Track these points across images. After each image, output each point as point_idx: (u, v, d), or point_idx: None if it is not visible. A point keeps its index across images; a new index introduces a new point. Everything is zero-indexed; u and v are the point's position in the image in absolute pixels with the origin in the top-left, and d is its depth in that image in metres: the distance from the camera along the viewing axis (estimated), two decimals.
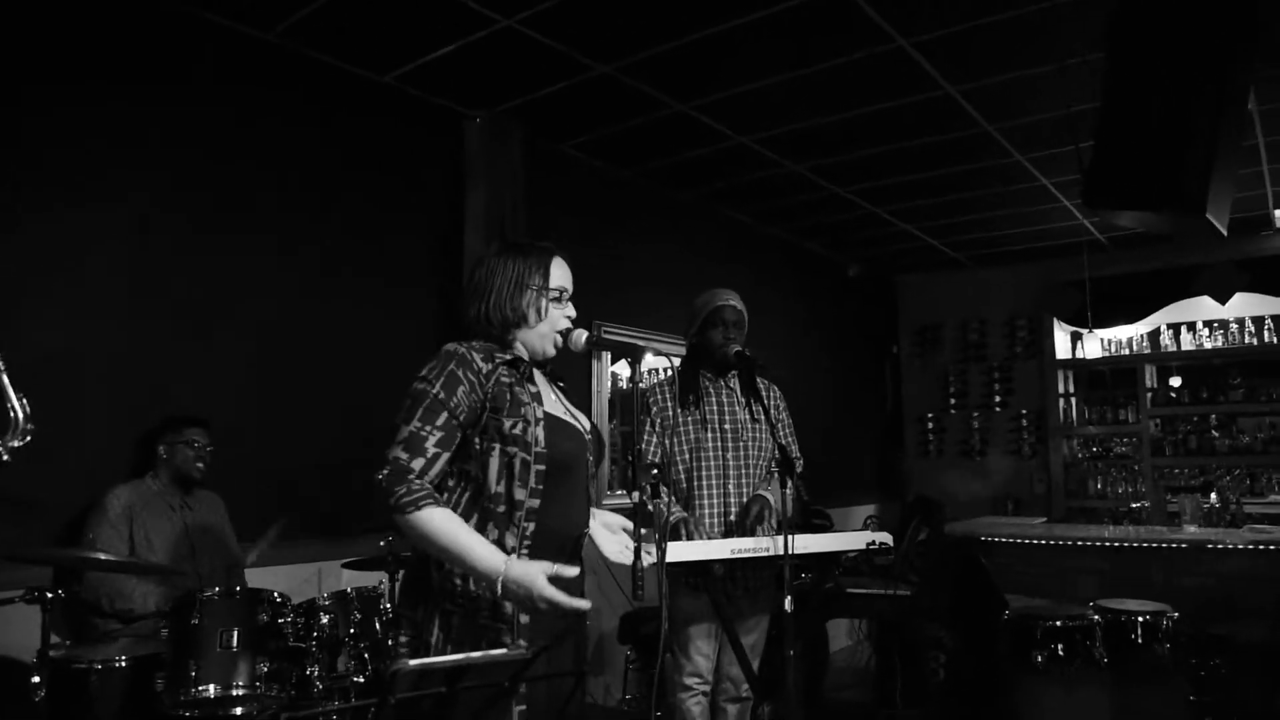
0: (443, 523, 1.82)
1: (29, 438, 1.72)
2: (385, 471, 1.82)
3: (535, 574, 1.75)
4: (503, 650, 1.50)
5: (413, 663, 1.20)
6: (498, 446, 1.90)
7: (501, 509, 1.89)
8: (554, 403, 2.05)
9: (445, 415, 1.87)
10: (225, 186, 3.56)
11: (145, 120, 3.33)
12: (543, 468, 1.90)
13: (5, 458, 1.70)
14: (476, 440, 1.91)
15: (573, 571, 1.80)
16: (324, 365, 3.80)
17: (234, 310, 3.55)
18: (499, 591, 1.76)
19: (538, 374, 2.07)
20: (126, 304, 3.24)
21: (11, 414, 1.70)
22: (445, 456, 1.88)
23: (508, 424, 1.89)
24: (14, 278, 2.96)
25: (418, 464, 1.83)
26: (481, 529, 1.88)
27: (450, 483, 1.94)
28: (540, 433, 1.90)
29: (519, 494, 1.88)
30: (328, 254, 3.89)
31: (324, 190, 3.90)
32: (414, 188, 4.29)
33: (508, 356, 1.97)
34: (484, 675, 1.37)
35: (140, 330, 3.27)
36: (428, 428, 1.86)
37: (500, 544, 1.86)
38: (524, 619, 1.83)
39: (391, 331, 4.08)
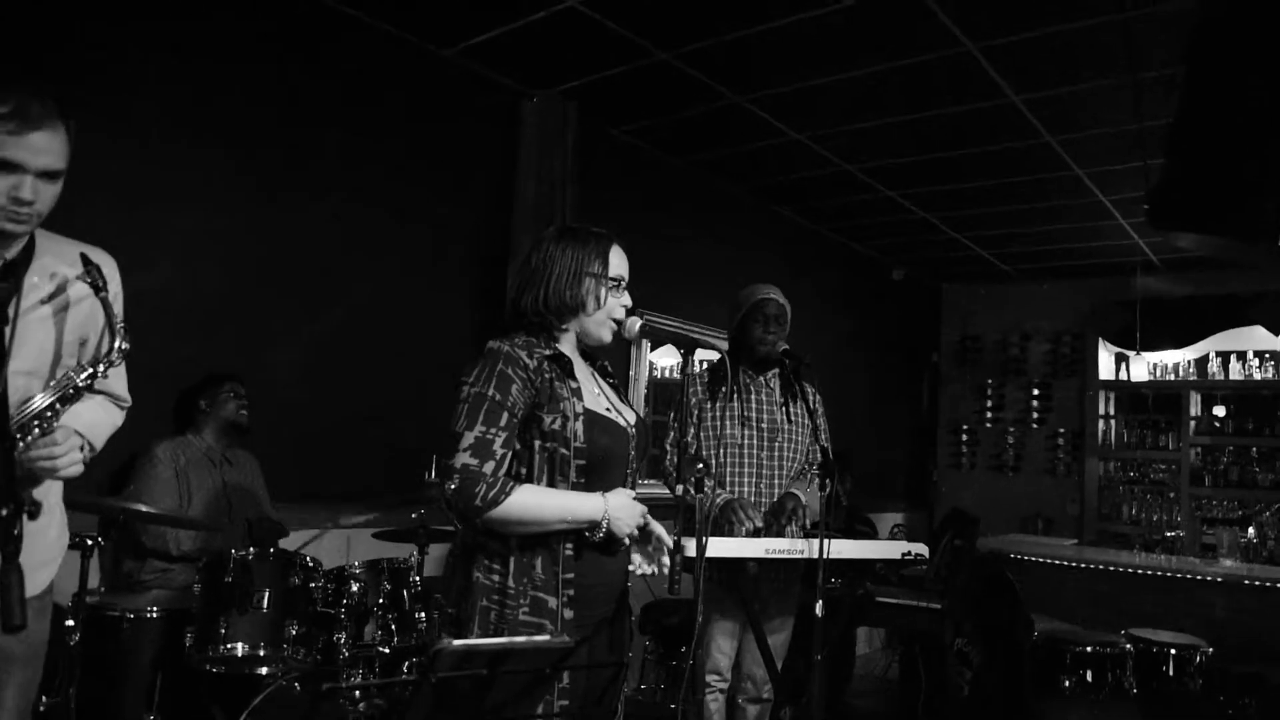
0: (535, 495, 1.85)
1: (121, 360, 1.76)
2: (456, 480, 1.81)
3: (627, 499, 1.92)
4: (546, 637, 1.49)
5: (456, 643, 1.19)
6: (538, 443, 1.90)
7: None
8: (595, 397, 2.03)
9: (506, 415, 1.86)
10: (274, 148, 3.56)
11: (200, 73, 3.33)
12: (582, 463, 1.90)
13: (103, 374, 1.74)
14: (520, 437, 1.91)
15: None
16: (366, 335, 3.81)
17: (281, 275, 3.56)
18: (605, 525, 1.88)
19: (580, 368, 2.04)
20: (170, 260, 3.25)
21: (111, 337, 1.73)
22: (510, 456, 1.89)
23: (548, 420, 1.88)
24: (60, 230, 2.98)
25: (489, 467, 1.82)
26: None
27: None
28: (579, 428, 1.89)
29: (561, 488, 1.89)
30: (377, 222, 3.89)
31: (377, 157, 3.90)
32: (466, 162, 4.28)
33: (548, 351, 1.95)
34: (525, 661, 1.36)
35: (188, 289, 3.29)
36: (492, 430, 1.84)
37: (544, 539, 1.87)
38: (568, 614, 1.83)
39: (435, 305, 4.09)
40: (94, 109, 3.01)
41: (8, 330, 1.57)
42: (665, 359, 5.51)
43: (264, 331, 3.52)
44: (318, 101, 3.69)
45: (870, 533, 5.42)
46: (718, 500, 2.97)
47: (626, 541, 1.94)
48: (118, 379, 1.97)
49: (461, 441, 1.83)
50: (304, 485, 3.55)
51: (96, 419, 1.89)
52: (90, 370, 1.71)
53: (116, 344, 1.73)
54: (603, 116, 4.73)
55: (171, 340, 3.24)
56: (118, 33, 3.11)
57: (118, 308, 1.81)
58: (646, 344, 5.18)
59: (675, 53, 3.94)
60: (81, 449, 1.72)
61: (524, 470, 1.90)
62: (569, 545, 1.87)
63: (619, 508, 1.89)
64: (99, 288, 1.70)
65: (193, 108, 3.30)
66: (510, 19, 3.71)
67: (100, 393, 1.90)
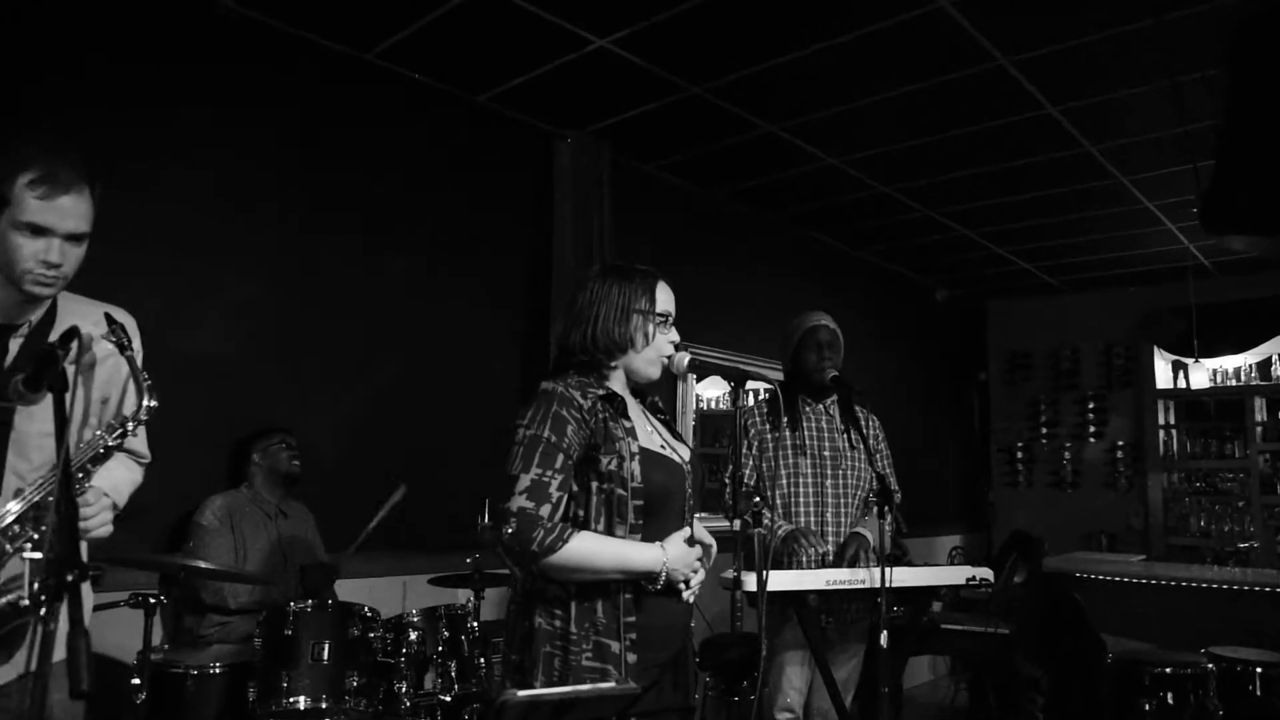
0: (593, 543, 1.83)
1: (149, 417, 1.76)
2: (513, 524, 1.79)
3: (683, 546, 1.88)
4: (611, 684, 1.47)
5: (522, 694, 1.17)
6: (595, 484, 1.87)
7: None
8: (649, 434, 2.01)
9: (562, 458, 1.85)
10: (321, 201, 3.64)
11: (244, 132, 3.42)
12: (640, 503, 1.87)
13: (133, 433, 1.74)
14: (576, 479, 1.89)
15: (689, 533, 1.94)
16: (412, 379, 3.85)
17: (326, 323, 3.61)
18: (664, 576, 1.85)
19: (632, 406, 2.03)
20: (220, 313, 3.32)
21: (139, 395, 1.74)
22: (566, 499, 1.86)
23: (604, 461, 1.86)
24: (111, 287, 3.05)
25: (545, 510, 1.80)
26: None
27: None
28: (636, 468, 1.87)
29: (619, 531, 1.86)
30: (419, 269, 3.94)
31: (415, 207, 3.96)
32: (505, 205, 4.33)
33: (601, 391, 1.94)
34: (591, 710, 1.34)
35: (234, 340, 3.34)
36: (549, 473, 1.83)
37: (604, 583, 1.85)
38: (631, 659, 1.80)
39: (480, 347, 4.11)
40: (140, 173, 3.11)
41: (68, 396, 1.60)
42: (711, 390, 5.48)
43: (313, 385, 3.56)
44: (356, 154, 3.77)
45: (901, 557, 5.28)
46: (779, 532, 2.93)
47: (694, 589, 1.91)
48: (139, 436, 1.98)
49: (518, 484, 1.81)
50: (358, 535, 3.56)
51: (119, 478, 1.90)
52: (120, 429, 1.72)
53: (144, 402, 1.73)
54: (636, 153, 4.76)
55: (223, 397, 3.30)
56: (160, 92, 3.19)
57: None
58: (693, 376, 5.16)
59: (706, 86, 3.96)
60: (111, 509, 1.73)
61: (581, 512, 1.88)
62: (629, 590, 1.84)
63: (677, 558, 1.87)
64: (124, 346, 1.72)
65: (235, 164, 3.39)
66: (543, 62, 3.76)
67: (122, 450, 1.90)
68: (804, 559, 2.81)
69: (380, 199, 3.83)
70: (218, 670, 2.60)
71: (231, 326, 3.34)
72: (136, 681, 2.39)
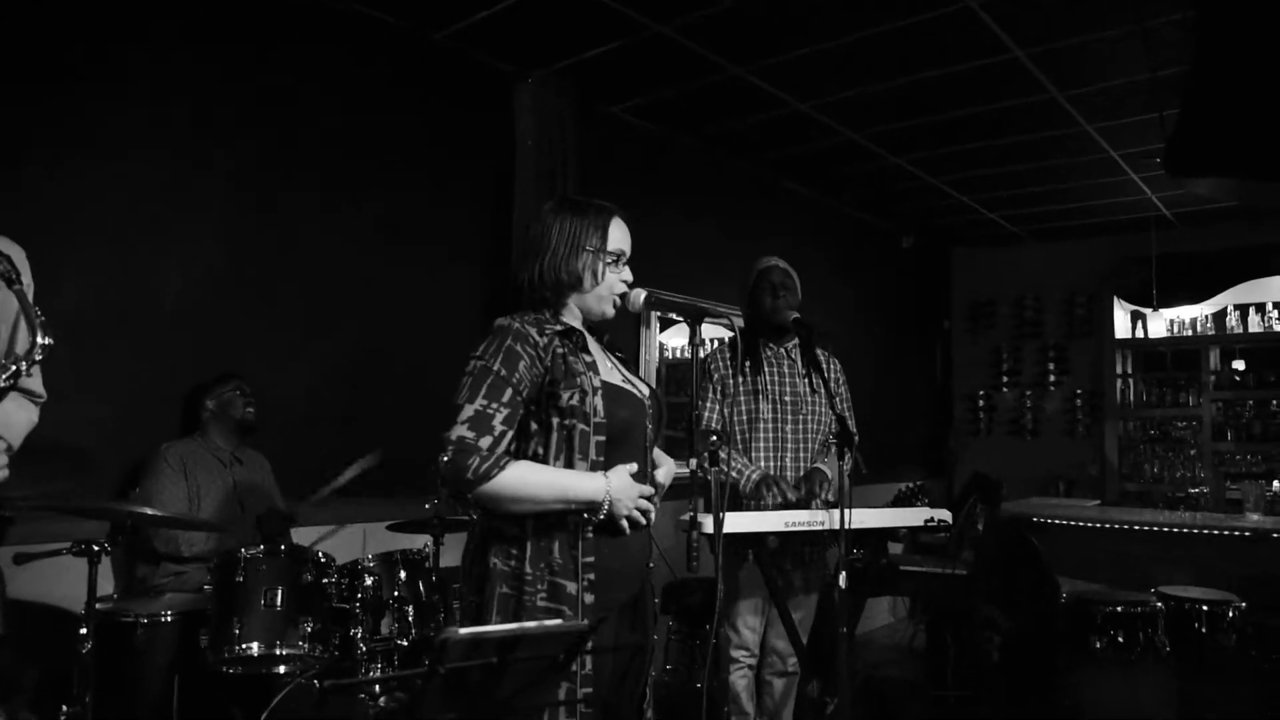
0: (531, 471, 1.79)
1: (44, 356, 1.61)
2: (450, 451, 1.75)
3: (627, 478, 1.81)
4: (558, 621, 1.44)
5: (463, 631, 1.14)
6: (556, 420, 1.83)
7: None
8: (609, 370, 1.98)
9: (510, 391, 1.80)
10: (271, 146, 3.51)
11: (189, 71, 3.28)
12: (602, 438, 1.84)
13: (26, 372, 1.61)
14: (535, 416, 1.85)
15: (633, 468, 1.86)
16: (371, 327, 3.77)
17: (282, 271, 3.52)
18: (607, 508, 1.79)
19: (592, 342, 1.99)
20: (174, 263, 3.22)
21: (31, 333, 1.59)
22: (510, 434, 1.82)
23: (565, 396, 1.82)
24: (63, 236, 2.95)
25: (485, 442, 1.76)
26: None
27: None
28: (599, 402, 1.83)
29: (580, 466, 1.83)
30: (377, 214, 3.84)
31: (373, 153, 3.84)
32: (464, 149, 4.22)
33: (559, 327, 1.90)
34: (538, 647, 1.31)
35: (188, 289, 3.25)
36: (494, 405, 1.79)
37: (561, 522, 1.81)
38: (588, 599, 1.77)
39: (440, 294, 4.03)
40: (91, 122, 2.99)
41: None
42: (676, 339, 5.45)
43: (270, 331, 3.47)
44: (309, 100, 3.63)
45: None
46: (752, 476, 2.93)
47: (644, 521, 1.88)
48: (34, 375, 1.87)
49: (460, 414, 1.78)
50: (316, 482, 3.51)
51: (14, 419, 1.80)
52: (12, 369, 1.59)
53: (38, 339, 1.58)
54: (602, 95, 4.65)
55: (179, 345, 3.21)
56: (105, 39, 3.05)
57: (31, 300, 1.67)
58: (656, 324, 5.12)
59: (671, 25, 3.85)
60: (5, 451, 1.65)
61: (541, 449, 1.84)
62: (587, 530, 1.81)
63: (620, 489, 1.80)
64: (11, 280, 1.58)
65: (185, 111, 3.26)
66: None
67: (15, 389, 1.76)
68: (770, 504, 2.81)
69: (336, 146, 3.70)
70: (169, 618, 2.56)
71: (186, 276, 3.24)
72: (83, 631, 2.34)
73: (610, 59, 4.18)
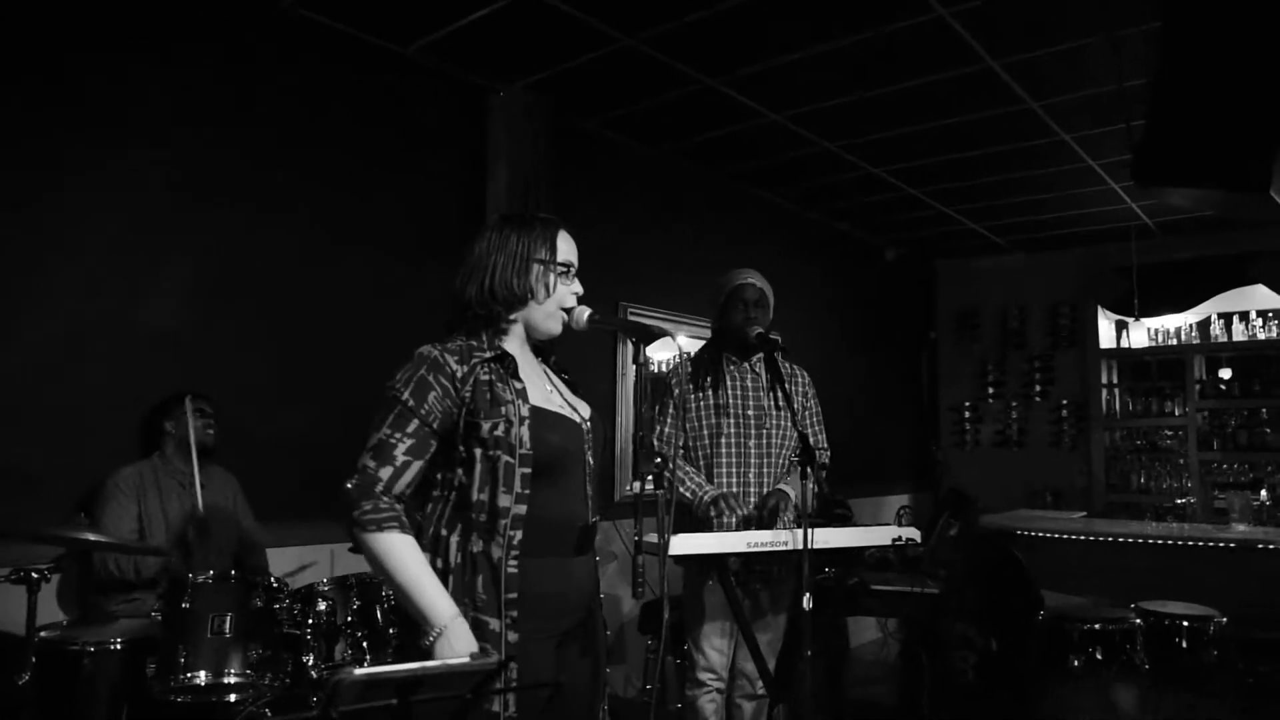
0: (401, 552, 1.69)
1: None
2: (355, 480, 1.72)
3: (471, 641, 1.66)
4: (463, 660, 1.38)
5: (359, 672, 1.08)
6: (479, 451, 1.77)
7: (484, 518, 1.76)
8: (547, 394, 1.91)
9: (416, 423, 1.76)
10: (235, 162, 3.46)
11: (151, 90, 3.24)
12: (528, 470, 1.77)
13: None
14: (460, 446, 1.79)
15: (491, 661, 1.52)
16: (339, 344, 3.71)
17: (245, 288, 3.46)
18: (430, 640, 1.64)
19: (529, 365, 1.93)
20: (130, 281, 3.17)
21: None
22: (418, 465, 1.76)
23: (486, 426, 1.76)
24: (16, 256, 2.90)
25: (385, 473, 1.72)
26: (465, 540, 1.77)
27: (435, 492, 1.84)
28: (525, 432, 1.77)
29: (503, 500, 1.75)
30: (345, 231, 3.79)
31: (341, 166, 3.79)
32: (435, 164, 4.17)
33: (488, 354, 1.84)
34: (442, 687, 1.25)
35: (145, 308, 3.20)
36: (396, 435, 1.74)
37: (486, 555, 1.74)
38: (512, 637, 1.71)
39: (409, 309, 3.96)
40: (46, 132, 2.95)
41: None
42: (663, 353, 5.41)
43: (232, 350, 3.42)
44: (276, 110, 3.59)
45: (848, 515, 5.29)
46: (705, 497, 2.87)
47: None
48: None
49: (367, 441, 1.75)
50: (283, 502, 3.45)
51: None
52: None
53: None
54: (574, 108, 4.62)
55: (136, 365, 3.15)
56: (71, 59, 3.01)
57: None
58: (630, 341, 5.06)
59: (642, 37, 3.82)
60: None
61: (465, 480, 1.78)
62: (513, 561, 1.74)
63: (458, 635, 1.65)
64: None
65: (143, 122, 3.21)
66: (470, 9, 3.59)
67: None
68: (727, 522, 2.76)
69: (306, 161, 3.66)
70: (118, 646, 2.48)
71: (142, 293, 3.18)
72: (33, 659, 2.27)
73: (582, 72, 4.14)
